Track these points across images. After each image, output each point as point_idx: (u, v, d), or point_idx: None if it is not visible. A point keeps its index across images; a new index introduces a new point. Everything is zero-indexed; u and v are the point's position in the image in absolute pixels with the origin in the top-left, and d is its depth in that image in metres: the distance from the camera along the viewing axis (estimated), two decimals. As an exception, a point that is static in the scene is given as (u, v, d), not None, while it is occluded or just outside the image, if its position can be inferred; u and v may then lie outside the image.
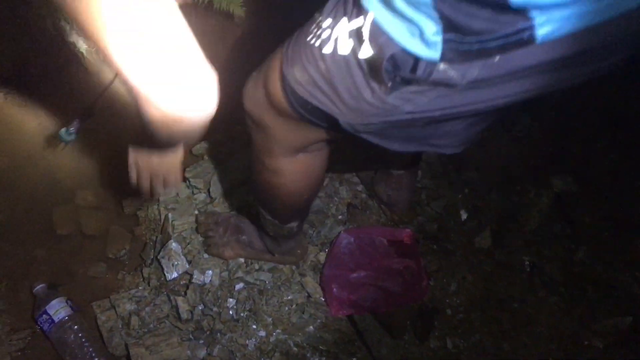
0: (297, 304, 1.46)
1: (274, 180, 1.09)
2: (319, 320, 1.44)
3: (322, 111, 0.80)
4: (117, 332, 1.49)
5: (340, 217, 1.56)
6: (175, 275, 1.50)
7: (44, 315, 1.44)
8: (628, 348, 1.38)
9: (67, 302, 1.46)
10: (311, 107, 0.82)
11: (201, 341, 1.45)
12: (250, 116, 1.00)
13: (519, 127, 1.65)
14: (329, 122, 0.83)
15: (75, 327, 1.42)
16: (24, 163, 1.79)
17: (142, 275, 1.57)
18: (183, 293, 1.49)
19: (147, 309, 1.49)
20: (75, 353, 1.40)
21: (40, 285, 1.50)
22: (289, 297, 1.47)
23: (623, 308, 1.42)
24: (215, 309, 1.46)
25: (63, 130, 1.65)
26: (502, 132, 1.64)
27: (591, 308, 1.44)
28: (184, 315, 1.46)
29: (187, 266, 1.50)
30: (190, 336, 1.46)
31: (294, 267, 1.50)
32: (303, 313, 1.45)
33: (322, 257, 1.51)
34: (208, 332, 1.46)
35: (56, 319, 1.43)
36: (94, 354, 1.38)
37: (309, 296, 1.47)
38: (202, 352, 1.44)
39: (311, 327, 1.43)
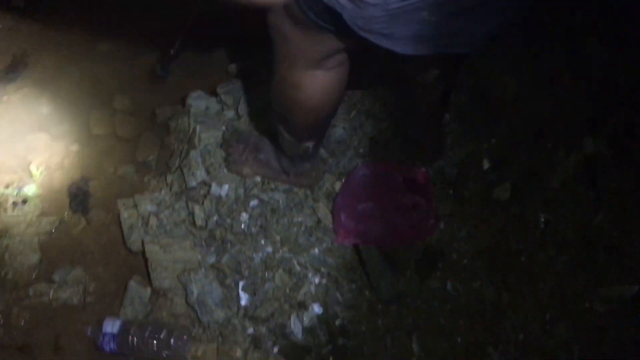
0: (306, 227, 1.50)
1: (293, 95, 1.12)
2: (324, 245, 1.48)
3: (329, 10, 0.81)
4: (136, 229, 1.57)
5: (361, 150, 1.57)
6: (194, 184, 1.56)
7: (106, 337, 1.45)
8: (629, 317, 1.36)
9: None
10: (318, 9, 0.83)
11: (212, 249, 1.52)
12: (272, 27, 1.02)
13: (560, 84, 1.58)
14: (337, 26, 0.84)
15: (131, 327, 1.44)
16: (69, 63, 1.88)
17: (166, 181, 1.64)
18: (200, 202, 1.55)
19: (166, 212, 1.57)
20: (141, 347, 1.42)
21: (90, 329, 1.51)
22: (299, 219, 1.51)
23: (632, 277, 1.38)
24: (228, 220, 1.52)
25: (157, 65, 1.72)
26: (541, 87, 1.59)
27: (599, 273, 1.41)
28: (199, 222, 1.53)
29: (206, 177, 1.56)
30: (203, 243, 1.54)
31: (308, 192, 1.53)
32: (311, 236, 1.49)
33: (337, 186, 1.54)
34: (219, 242, 1.52)
35: (115, 331, 1.45)
36: (150, 338, 1.42)
37: (319, 221, 1.51)
38: (212, 259, 1.51)
39: (316, 250, 1.48)
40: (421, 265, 1.46)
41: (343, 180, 1.54)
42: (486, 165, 1.54)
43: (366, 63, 1.55)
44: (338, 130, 1.58)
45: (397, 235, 1.40)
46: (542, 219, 1.49)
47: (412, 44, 0.87)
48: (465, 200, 1.52)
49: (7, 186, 1.66)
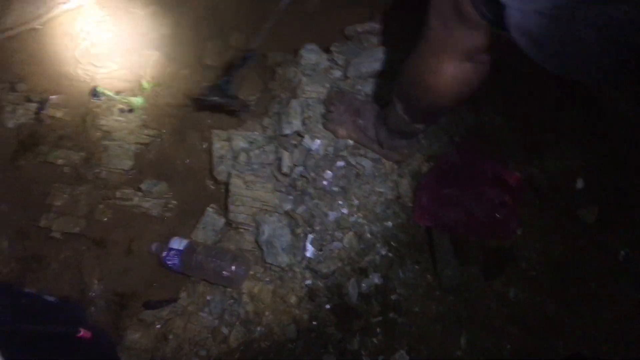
0: (385, 198, 1.52)
1: (430, 79, 1.11)
2: (399, 220, 1.50)
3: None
4: (225, 161, 1.65)
5: (456, 138, 1.57)
6: (288, 132, 1.61)
7: (171, 252, 1.55)
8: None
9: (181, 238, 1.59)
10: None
11: (290, 197, 1.58)
12: (434, 11, 1.01)
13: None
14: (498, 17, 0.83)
15: (198, 247, 1.55)
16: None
17: (262, 124, 1.70)
18: (291, 150, 1.60)
19: (256, 151, 1.63)
20: (204, 265, 1.51)
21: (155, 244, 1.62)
22: (380, 190, 1.53)
23: None
24: (312, 174, 1.57)
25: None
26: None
27: (671, 320, 1.38)
28: (284, 169, 1.58)
29: (301, 128, 1.60)
30: (283, 189, 1.59)
31: (395, 166, 1.55)
32: (388, 208, 1.52)
33: (425, 167, 1.55)
34: (299, 192, 1.57)
35: (182, 248, 1.55)
36: (214, 258, 1.51)
37: (399, 196, 1.53)
38: (288, 206, 1.56)
39: (390, 223, 1.50)
40: (489, 264, 1.46)
41: (432, 163, 1.54)
42: (580, 184, 1.51)
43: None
44: (438, 114, 1.58)
45: (474, 227, 1.40)
46: (623, 252, 1.45)
47: (559, 60, 0.78)
48: (549, 213, 1.50)
49: (117, 92, 1.76)
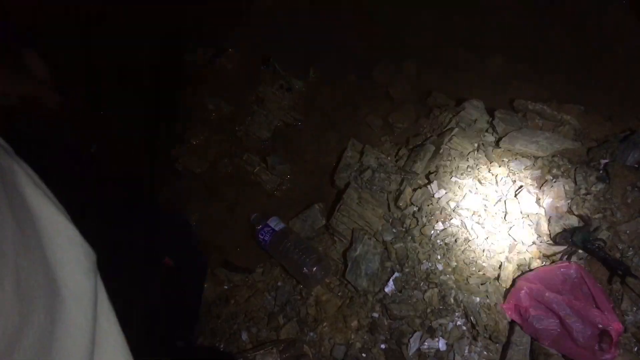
0: (484, 274, 1.48)
1: None
2: (488, 300, 1.45)
3: None
4: (349, 169, 1.69)
5: (583, 250, 1.49)
6: (419, 171, 1.62)
7: (266, 228, 1.63)
8: None
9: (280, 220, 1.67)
10: None
11: (394, 230, 1.58)
12: None
13: None
14: None
15: (291, 235, 1.62)
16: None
17: (397, 152, 1.72)
18: (414, 188, 1.61)
19: (383, 175, 1.66)
20: (289, 253, 1.58)
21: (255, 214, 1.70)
22: (483, 264, 1.49)
23: None
24: (424, 219, 1.56)
25: None
26: None
27: None
28: (401, 203, 1.59)
29: (432, 174, 1.60)
30: (391, 220, 1.60)
31: (507, 249, 1.50)
32: (482, 284, 1.47)
33: (535, 263, 1.48)
34: (404, 229, 1.58)
35: (277, 229, 1.63)
36: (301, 252, 1.57)
37: (498, 277, 1.48)
38: (388, 237, 1.57)
39: (478, 299, 1.46)
40: (558, 388, 1.37)
41: (545, 263, 1.48)
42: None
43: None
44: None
45: (563, 344, 1.32)
46: None
47: None
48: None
49: (284, 69, 1.87)
